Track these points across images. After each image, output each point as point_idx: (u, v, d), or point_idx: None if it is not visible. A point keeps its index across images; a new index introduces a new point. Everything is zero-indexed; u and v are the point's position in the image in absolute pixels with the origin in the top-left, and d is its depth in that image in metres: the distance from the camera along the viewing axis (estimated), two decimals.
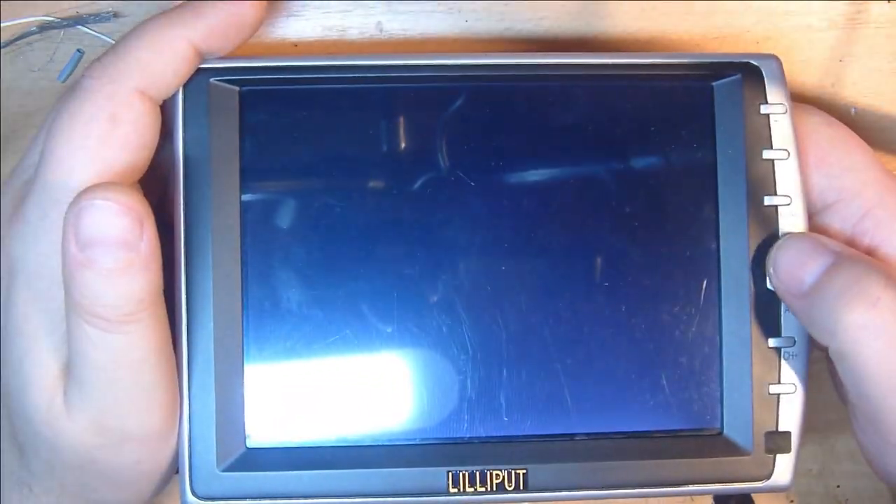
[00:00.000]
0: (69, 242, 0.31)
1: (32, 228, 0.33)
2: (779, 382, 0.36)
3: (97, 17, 0.40)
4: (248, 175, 0.36)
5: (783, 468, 0.37)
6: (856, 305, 0.33)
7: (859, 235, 0.37)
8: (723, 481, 0.37)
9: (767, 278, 0.36)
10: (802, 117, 0.37)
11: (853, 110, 0.41)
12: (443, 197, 0.36)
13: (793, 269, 0.35)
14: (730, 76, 0.37)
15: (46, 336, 0.33)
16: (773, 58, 0.37)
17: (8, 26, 0.40)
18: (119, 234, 0.31)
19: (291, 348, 0.36)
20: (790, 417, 0.36)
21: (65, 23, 0.40)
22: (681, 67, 0.37)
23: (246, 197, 0.36)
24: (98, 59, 0.34)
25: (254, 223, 0.36)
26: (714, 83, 0.37)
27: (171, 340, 0.34)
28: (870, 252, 0.37)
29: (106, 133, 0.33)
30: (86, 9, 0.40)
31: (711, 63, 0.37)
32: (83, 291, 0.31)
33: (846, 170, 0.37)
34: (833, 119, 0.38)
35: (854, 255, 0.34)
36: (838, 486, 0.45)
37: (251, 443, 0.36)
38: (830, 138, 0.37)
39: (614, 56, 0.37)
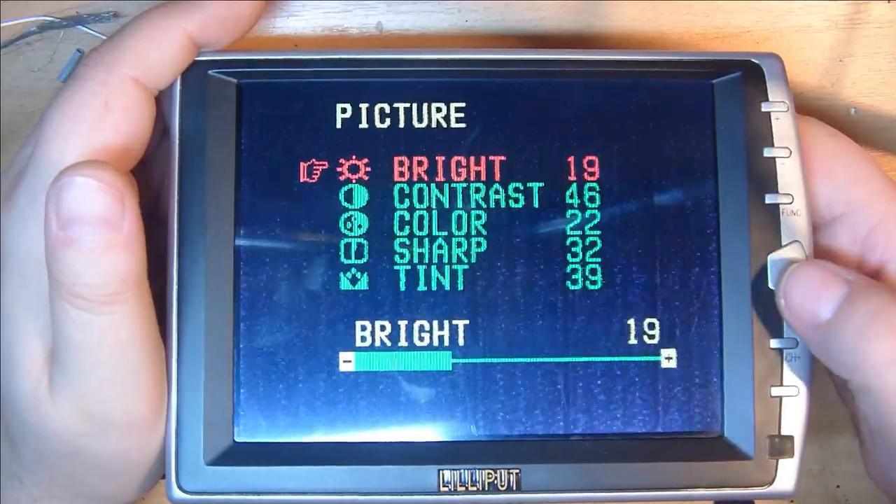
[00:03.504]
0: (50, 221, 0.30)
1: (22, 212, 0.33)
2: (781, 385, 0.35)
3: (97, 17, 0.40)
4: (244, 166, 0.36)
5: (786, 474, 0.35)
6: (881, 339, 0.31)
7: (870, 248, 0.36)
8: (723, 486, 0.35)
9: (778, 309, 0.35)
10: (805, 129, 0.37)
11: (853, 110, 0.41)
12: (439, 194, 0.36)
13: (807, 302, 0.33)
14: (730, 74, 0.37)
15: (34, 320, 0.33)
16: (775, 56, 0.37)
17: (8, 26, 0.40)
18: (100, 211, 0.30)
19: (282, 341, 0.35)
20: (793, 421, 0.35)
21: (65, 23, 0.40)
22: (681, 65, 0.37)
23: (241, 188, 0.36)
24: (95, 48, 0.34)
25: (248, 214, 0.36)
26: (714, 81, 0.37)
27: (156, 325, 0.33)
28: (881, 265, 0.36)
29: (98, 118, 0.33)
30: (86, 9, 0.40)
31: (712, 61, 0.37)
32: (65, 270, 0.30)
33: (853, 181, 0.36)
34: (835, 130, 0.37)
35: (869, 283, 0.33)
36: (838, 486, 0.45)
37: (238, 436, 0.35)
38: (835, 150, 0.37)
39: (614, 53, 0.37)
